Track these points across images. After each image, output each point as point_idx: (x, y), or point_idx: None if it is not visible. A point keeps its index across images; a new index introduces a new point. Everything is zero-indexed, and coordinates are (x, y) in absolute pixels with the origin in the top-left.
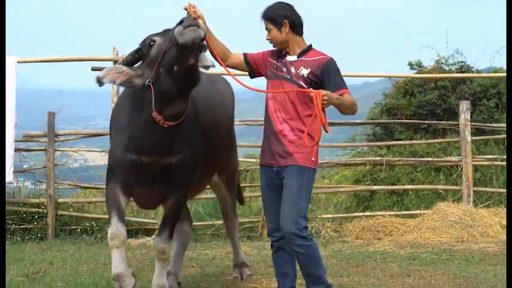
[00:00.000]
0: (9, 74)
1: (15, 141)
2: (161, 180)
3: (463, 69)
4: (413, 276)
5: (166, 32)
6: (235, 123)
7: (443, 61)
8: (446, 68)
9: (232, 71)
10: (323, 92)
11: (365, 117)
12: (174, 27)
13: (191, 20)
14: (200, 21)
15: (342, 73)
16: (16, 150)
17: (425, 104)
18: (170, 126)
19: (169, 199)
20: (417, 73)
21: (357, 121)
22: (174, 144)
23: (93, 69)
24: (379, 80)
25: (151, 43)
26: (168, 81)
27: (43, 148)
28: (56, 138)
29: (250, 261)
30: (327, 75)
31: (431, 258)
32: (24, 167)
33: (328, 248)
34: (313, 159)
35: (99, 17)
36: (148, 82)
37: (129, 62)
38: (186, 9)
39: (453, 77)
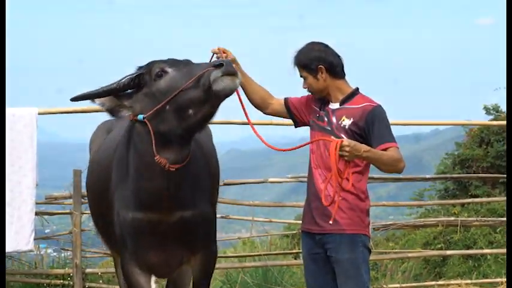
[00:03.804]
0: (29, 127)
1: (36, 203)
2: (177, 242)
3: None
4: None
5: (177, 63)
6: (286, 179)
7: None
8: None
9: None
10: (346, 141)
11: (435, 171)
12: (203, 66)
13: (232, 68)
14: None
15: (407, 121)
16: (37, 213)
17: (504, 154)
18: (177, 169)
19: (195, 260)
20: (494, 119)
21: (426, 176)
22: (184, 194)
23: None
24: (450, 128)
25: (161, 73)
26: (173, 123)
27: (68, 211)
28: (83, 200)
29: None
30: (371, 126)
31: None
32: (47, 232)
33: None
34: (364, 222)
35: (123, 62)
36: (143, 118)
37: (123, 87)
38: (215, 53)
39: None
